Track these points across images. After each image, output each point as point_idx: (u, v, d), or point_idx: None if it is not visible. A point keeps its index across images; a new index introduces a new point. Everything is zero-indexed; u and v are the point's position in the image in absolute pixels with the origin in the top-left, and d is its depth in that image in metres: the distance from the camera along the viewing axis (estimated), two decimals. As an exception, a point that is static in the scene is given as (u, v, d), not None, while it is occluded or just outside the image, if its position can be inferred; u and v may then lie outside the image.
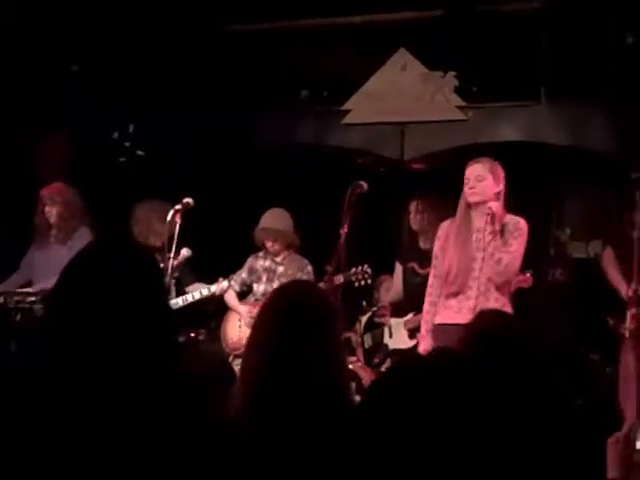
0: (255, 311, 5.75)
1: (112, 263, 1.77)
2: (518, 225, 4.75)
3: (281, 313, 2.23)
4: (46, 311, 1.84)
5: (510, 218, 4.78)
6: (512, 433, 2.36)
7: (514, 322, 2.99)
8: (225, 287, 5.92)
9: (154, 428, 1.64)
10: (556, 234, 7.74)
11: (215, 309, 6.29)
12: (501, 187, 4.76)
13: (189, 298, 5.82)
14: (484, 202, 4.70)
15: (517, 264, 4.73)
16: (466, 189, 4.75)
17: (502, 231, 4.71)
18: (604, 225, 7.12)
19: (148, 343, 1.71)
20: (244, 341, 5.85)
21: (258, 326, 2.28)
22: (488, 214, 4.67)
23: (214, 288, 5.87)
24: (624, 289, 5.01)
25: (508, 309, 4.68)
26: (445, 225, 4.98)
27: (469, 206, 4.77)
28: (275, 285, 5.88)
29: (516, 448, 2.38)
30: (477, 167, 4.76)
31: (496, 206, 4.68)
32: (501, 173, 4.78)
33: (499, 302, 4.70)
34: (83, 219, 5.85)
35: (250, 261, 6.04)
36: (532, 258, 7.20)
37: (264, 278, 5.98)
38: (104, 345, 1.67)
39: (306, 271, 5.93)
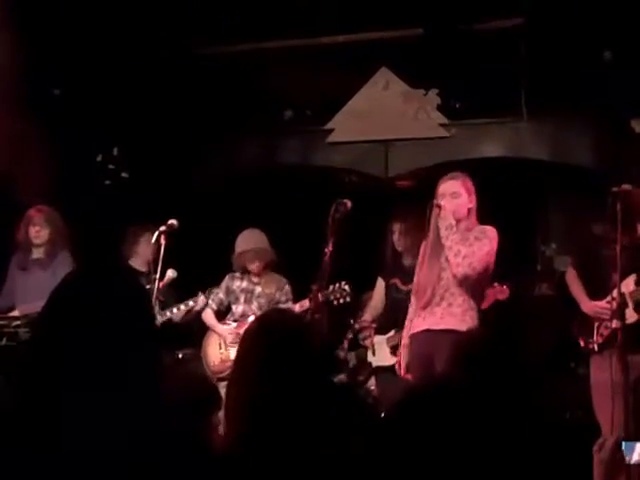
0: (236, 332, 5.78)
1: (100, 289, 1.76)
2: (483, 230, 4.75)
3: (263, 346, 2.24)
4: (33, 336, 1.84)
5: (477, 227, 4.79)
6: (496, 448, 2.38)
7: (491, 343, 3.01)
8: (203, 301, 5.90)
9: (141, 450, 1.64)
10: (542, 249, 7.78)
11: (202, 327, 6.28)
12: (473, 204, 4.79)
13: (168, 314, 5.82)
14: (458, 220, 4.72)
15: (479, 261, 4.65)
16: (435, 204, 4.76)
17: (467, 236, 4.71)
18: (584, 236, 7.16)
19: (136, 366, 1.71)
20: (227, 364, 5.86)
21: (241, 358, 2.29)
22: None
23: (191, 303, 5.87)
24: (585, 305, 4.96)
25: (470, 315, 4.69)
26: (423, 244, 5.01)
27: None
28: (254, 305, 5.89)
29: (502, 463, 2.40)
30: (453, 183, 4.78)
31: (446, 204, 4.70)
32: (472, 188, 4.80)
33: (461, 307, 4.70)
34: (67, 243, 5.84)
35: (227, 281, 6.03)
36: (519, 273, 7.26)
37: (242, 299, 5.97)
38: (92, 370, 1.67)
39: (285, 290, 5.93)
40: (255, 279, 5.96)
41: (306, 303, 5.55)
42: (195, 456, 1.73)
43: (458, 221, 4.73)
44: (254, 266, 5.90)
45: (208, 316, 6.05)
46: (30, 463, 1.59)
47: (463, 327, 4.64)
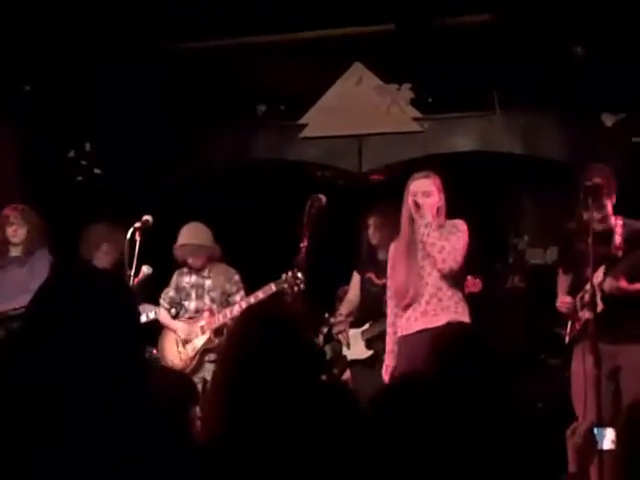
0: (190, 328, 5.75)
1: (85, 287, 1.76)
2: (454, 223, 4.80)
3: (249, 339, 2.23)
4: (19, 336, 1.83)
5: (448, 222, 4.82)
6: (475, 437, 2.41)
7: (474, 333, 3.05)
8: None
9: (125, 444, 1.64)
10: (514, 241, 7.84)
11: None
12: (442, 201, 4.82)
13: (152, 314, 5.82)
14: (429, 214, 4.75)
15: (459, 255, 4.70)
16: (411, 202, 4.78)
17: (441, 232, 4.75)
18: (561, 232, 7.23)
19: (121, 362, 1.71)
20: (187, 363, 5.79)
21: (225, 353, 2.28)
22: (415, 207, 4.71)
23: (152, 315, 5.89)
24: (557, 300, 5.06)
25: (463, 305, 4.76)
26: (393, 245, 5.03)
27: (412, 219, 4.81)
28: (206, 300, 5.80)
29: (480, 453, 2.43)
30: (425, 182, 4.79)
31: (421, 199, 4.73)
32: (441, 186, 4.83)
33: (453, 299, 4.75)
34: (45, 240, 5.81)
35: (175, 278, 5.93)
36: (491, 265, 7.32)
37: (193, 295, 5.87)
38: (76, 366, 1.67)
39: (234, 281, 5.84)
40: (204, 273, 5.86)
41: (270, 288, 5.47)
42: (179, 449, 1.74)
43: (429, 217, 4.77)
44: (191, 261, 5.84)
45: (162, 315, 5.95)
46: (16, 462, 1.60)
47: (461, 317, 4.69)
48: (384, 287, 5.90)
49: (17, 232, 5.74)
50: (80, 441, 1.61)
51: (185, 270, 5.90)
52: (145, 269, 5.54)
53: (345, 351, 6.11)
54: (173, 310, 5.91)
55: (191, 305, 5.85)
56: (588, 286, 4.63)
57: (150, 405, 1.78)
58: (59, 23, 6.52)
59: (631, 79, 6.18)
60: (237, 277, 5.84)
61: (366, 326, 6.00)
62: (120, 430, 1.64)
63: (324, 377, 5.88)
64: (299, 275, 5.29)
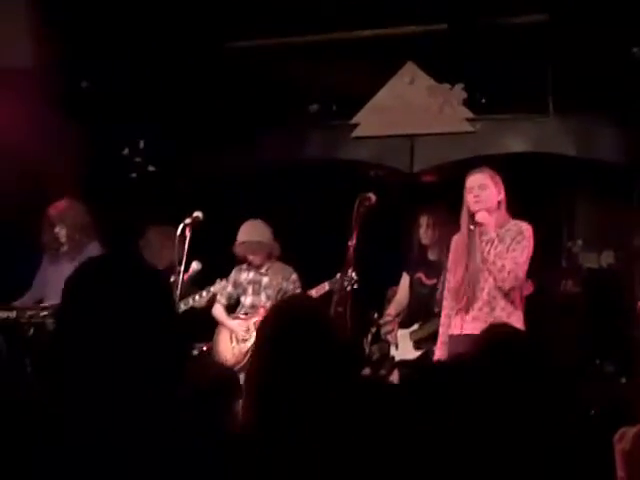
0: (247, 324, 5.80)
1: (118, 275, 1.75)
2: (521, 229, 4.75)
3: (279, 332, 2.24)
4: (55, 324, 1.84)
5: (513, 224, 4.79)
6: (518, 440, 2.38)
7: (519, 335, 3.02)
8: (224, 285, 5.88)
9: (165, 440, 1.64)
10: (568, 245, 7.73)
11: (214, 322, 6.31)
12: (502, 195, 4.79)
13: (190, 301, 5.82)
14: (487, 210, 4.72)
15: (522, 270, 4.70)
16: (469, 198, 4.76)
17: (504, 237, 4.72)
18: (616, 236, 7.12)
19: (158, 356, 1.71)
20: (239, 357, 5.89)
21: (258, 347, 2.30)
22: (477, 224, 4.70)
23: (212, 289, 5.88)
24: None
25: (516, 317, 4.70)
26: (455, 238, 5.00)
27: (472, 217, 4.78)
28: (262, 297, 5.89)
29: (523, 456, 2.40)
30: (479, 176, 4.78)
31: (482, 216, 4.70)
32: (500, 182, 4.80)
33: (505, 311, 4.72)
34: (92, 235, 5.88)
35: (234, 274, 6.03)
36: (544, 269, 7.23)
37: (250, 290, 5.97)
38: (114, 357, 1.67)
39: (291, 279, 5.92)
40: (262, 270, 5.95)
41: (323, 287, 5.50)
42: (214, 443, 1.73)
43: (489, 212, 4.74)
44: (251, 258, 5.90)
45: (218, 311, 6.05)
46: (54, 453, 1.60)
47: None
48: (433, 288, 5.89)
49: (60, 233, 5.82)
50: (107, 433, 1.61)
51: (244, 267, 6.00)
52: (195, 265, 5.59)
53: (393, 351, 6.09)
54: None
55: (247, 300, 5.95)
56: None
57: (187, 398, 1.78)
58: (118, 21, 6.61)
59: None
60: (294, 276, 5.92)
61: (415, 327, 5.97)
62: (154, 421, 1.64)
63: (368, 375, 5.92)
64: (353, 275, 5.33)
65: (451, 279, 4.95)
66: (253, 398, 2.23)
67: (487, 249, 4.71)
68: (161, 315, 1.73)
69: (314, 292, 5.56)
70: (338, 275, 5.39)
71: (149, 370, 1.68)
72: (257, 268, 5.95)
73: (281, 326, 2.26)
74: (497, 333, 3.09)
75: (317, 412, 2.12)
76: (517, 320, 4.73)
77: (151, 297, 1.73)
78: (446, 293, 5.00)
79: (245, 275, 6.00)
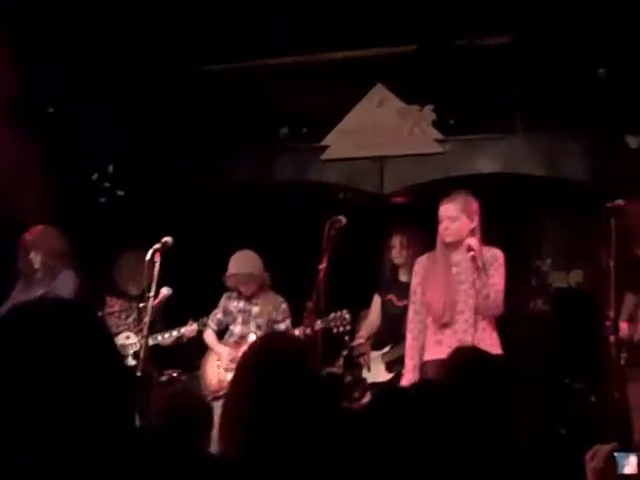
0: (234, 354, 5.79)
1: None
2: (496, 257, 4.82)
3: (259, 369, 2.23)
4: None
5: (487, 250, 4.83)
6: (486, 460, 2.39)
7: (489, 357, 3.03)
8: (194, 329, 5.94)
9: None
10: (537, 264, 7.78)
11: (199, 347, 6.28)
12: (475, 223, 4.82)
13: (159, 338, 5.86)
14: (459, 241, 4.75)
15: (502, 296, 4.81)
16: (440, 227, 4.79)
17: (487, 269, 4.75)
18: (584, 255, 7.17)
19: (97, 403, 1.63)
20: (224, 384, 5.88)
21: (237, 381, 2.28)
22: (470, 253, 4.70)
23: (182, 330, 5.91)
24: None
25: (495, 335, 4.80)
26: (422, 260, 5.01)
27: (445, 245, 4.82)
28: (252, 326, 5.89)
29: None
30: (449, 207, 4.80)
31: (475, 242, 4.72)
32: (475, 208, 4.82)
33: (487, 331, 4.76)
34: (67, 262, 5.82)
35: (224, 302, 6.04)
36: (513, 288, 7.27)
37: (240, 319, 5.96)
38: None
39: (281, 309, 5.93)
40: (252, 299, 5.96)
41: (317, 325, 5.53)
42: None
43: (459, 241, 4.77)
44: (243, 289, 5.91)
45: (208, 336, 6.06)
46: None
47: (495, 350, 4.69)
48: (405, 309, 5.89)
49: (34, 259, 5.77)
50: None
51: (234, 295, 6.01)
52: (165, 290, 5.55)
53: (365, 374, 6.08)
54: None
55: (236, 329, 5.95)
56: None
57: (153, 430, 1.75)
58: (85, 44, 6.58)
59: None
60: (285, 306, 5.94)
61: (387, 349, 5.97)
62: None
63: (342, 402, 5.91)
64: (347, 316, 5.52)
65: (418, 301, 4.95)
66: (231, 431, 2.21)
67: (473, 277, 4.74)
68: (97, 359, 1.65)
69: (309, 329, 5.54)
70: (332, 314, 5.51)
71: (92, 415, 1.59)
72: (247, 297, 5.94)
73: (260, 365, 2.26)
74: (465, 356, 3.11)
75: (296, 446, 2.11)
76: (496, 338, 4.79)
77: (85, 339, 1.65)
78: (411, 314, 5.00)
79: (235, 303, 6.00)
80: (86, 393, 1.56)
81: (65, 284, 5.69)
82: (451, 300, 4.78)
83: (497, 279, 4.76)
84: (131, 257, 6.00)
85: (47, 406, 1.52)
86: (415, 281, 5.03)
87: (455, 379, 2.85)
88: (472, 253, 4.70)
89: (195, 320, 5.98)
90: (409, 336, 4.97)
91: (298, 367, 2.25)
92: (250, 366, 2.27)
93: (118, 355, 1.74)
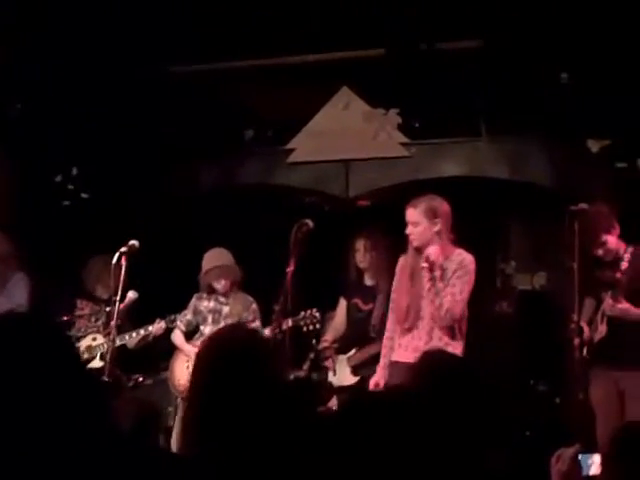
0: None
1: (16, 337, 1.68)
2: (463, 263, 4.76)
3: (213, 362, 2.20)
4: None
5: (456, 255, 4.79)
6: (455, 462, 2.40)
7: (454, 360, 3.05)
8: (162, 327, 5.91)
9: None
10: (501, 266, 7.85)
11: (165, 350, 6.26)
12: (440, 226, 4.76)
13: (126, 337, 5.82)
14: (425, 245, 4.75)
15: (459, 307, 4.72)
16: (406, 231, 4.80)
17: (445, 270, 4.75)
18: (548, 257, 7.24)
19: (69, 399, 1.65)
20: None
21: (194, 377, 2.25)
22: (426, 261, 4.71)
23: (150, 328, 5.87)
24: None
25: (452, 348, 4.68)
26: (400, 260, 5.02)
27: (415, 249, 4.83)
28: (222, 326, 5.86)
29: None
30: (411, 212, 4.79)
31: (434, 253, 4.70)
32: (439, 211, 4.77)
33: (442, 341, 4.73)
34: (15, 265, 5.73)
35: (194, 302, 6.02)
36: (478, 291, 7.32)
37: (210, 319, 5.95)
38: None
39: (251, 309, 5.93)
40: (222, 299, 5.95)
41: (287, 323, 5.52)
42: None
43: (424, 246, 4.76)
44: (220, 284, 5.88)
45: (176, 337, 6.04)
46: None
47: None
48: (370, 313, 5.92)
49: None
50: None
51: (204, 295, 6.00)
52: (131, 294, 5.53)
53: (331, 377, 6.08)
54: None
55: (206, 330, 5.92)
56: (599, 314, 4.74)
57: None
58: (50, 45, 6.52)
59: (615, 105, 6.23)
60: (255, 306, 5.95)
61: (352, 352, 5.98)
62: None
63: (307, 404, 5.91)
64: (317, 315, 5.59)
65: (394, 300, 4.97)
66: (187, 428, 2.19)
67: (427, 286, 4.73)
68: (62, 374, 1.66)
69: (274, 329, 5.52)
70: (302, 313, 5.54)
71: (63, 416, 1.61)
72: (218, 297, 5.92)
73: (217, 356, 2.22)
74: (432, 360, 3.12)
75: (255, 444, 2.09)
76: (459, 344, 4.78)
77: (49, 353, 1.66)
78: (390, 314, 5.02)
79: (206, 303, 5.99)
80: (49, 402, 1.59)
81: (18, 288, 5.63)
82: (416, 304, 4.77)
83: (458, 288, 4.70)
84: (99, 260, 5.95)
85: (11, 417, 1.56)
86: (394, 281, 5.04)
87: (421, 383, 2.86)
88: (425, 265, 4.71)
89: (162, 318, 5.95)
90: (385, 334, 5.00)
91: (257, 360, 2.21)
92: (207, 357, 2.24)
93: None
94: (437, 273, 4.71)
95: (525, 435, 6.63)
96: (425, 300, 4.76)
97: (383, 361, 4.96)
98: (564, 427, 5.60)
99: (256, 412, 2.12)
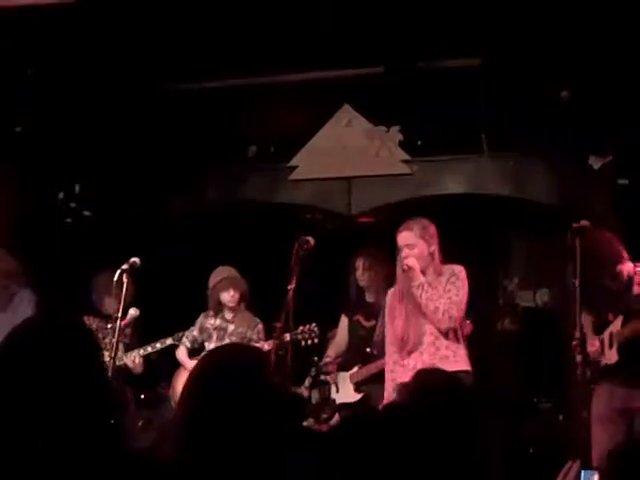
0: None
1: (51, 340, 1.73)
2: (454, 271, 4.83)
3: (206, 377, 2.18)
4: None
5: (447, 268, 4.86)
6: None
7: (447, 378, 3.06)
8: (168, 343, 5.94)
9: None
10: (504, 283, 7.85)
11: (167, 367, 6.27)
12: (434, 247, 4.84)
13: (149, 349, 5.87)
14: (422, 267, 4.78)
15: (457, 309, 4.76)
16: (400, 256, 4.83)
17: (439, 281, 4.77)
18: (551, 274, 7.24)
19: (86, 418, 1.67)
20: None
21: (186, 389, 2.23)
22: (404, 270, 4.75)
23: (159, 345, 5.88)
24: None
25: (462, 353, 4.78)
26: (390, 292, 5.05)
27: (404, 271, 4.85)
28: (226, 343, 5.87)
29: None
30: (406, 235, 4.83)
31: (412, 261, 4.76)
32: (432, 232, 4.86)
33: (450, 349, 4.76)
34: (21, 282, 5.73)
35: (201, 320, 6.04)
36: (481, 308, 7.33)
37: (214, 337, 5.97)
38: (42, 421, 1.63)
39: (257, 329, 5.93)
40: (228, 316, 5.96)
41: (285, 338, 5.53)
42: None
43: (423, 270, 4.79)
44: (230, 295, 5.88)
45: (181, 353, 6.06)
46: None
47: (460, 367, 4.70)
48: (372, 329, 5.91)
49: None
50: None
51: (211, 313, 6.02)
52: (132, 311, 5.52)
53: (334, 394, 6.07)
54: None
55: (210, 346, 5.93)
56: (605, 334, 4.73)
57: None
58: (52, 64, 6.54)
59: (617, 122, 6.24)
60: (260, 326, 5.97)
61: (355, 369, 5.97)
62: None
63: (311, 421, 5.90)
64: (315, 329, 5.60)
65: (391, 331, 4.97)
66: (178, 440, 2.16)
67: (418, 293, 4.76)
68: (89, 381, 1.70)
69: (275, 345, 5.53)
70: (300, 327, 5.55)
71: (78, 437, 1.63)
72: (225, 315, 5.95)
73: (210, 372, 2.20)
74: (426, 378, 3.13)
75: (245, 461, 2.07)
76: (463, 356, 4.80)
77: (80, 364, 1.70)
78: (387, 346, 5.02)
79: (212, 321, 6.01)
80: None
81: (24, 306, 5.62)
82: (417, 328, 4.79)
83: (453, 292, 4.75)
84: (106, 276, 5.96)
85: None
86: (386, 313, 5.07)
87: (418, 401, 2.86)
88: (405, 268, 4.74)
89: (170, 336, 5.97)
90: (386, 369, 4.99)
91: (251, 376, 2.19)
92: (198, 374, 2.21)
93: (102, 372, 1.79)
94: (422, 279, 4.73)
95: (529, 452, 6.61)
96: (422, 317, 4.77)
97: (387, 393, 4.93)
98: (567, 444, 5.59)
99: (248, 425, 2.11)
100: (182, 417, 2.14)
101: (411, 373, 4.62)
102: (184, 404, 2.16)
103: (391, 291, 5.07)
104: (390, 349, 4.98)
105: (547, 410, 7.07)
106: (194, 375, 2.20)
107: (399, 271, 4.90)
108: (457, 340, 4.82)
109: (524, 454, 6.56)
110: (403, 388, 4.47)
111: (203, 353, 5.90)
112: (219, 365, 2.20)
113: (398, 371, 4.85)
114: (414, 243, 4.80)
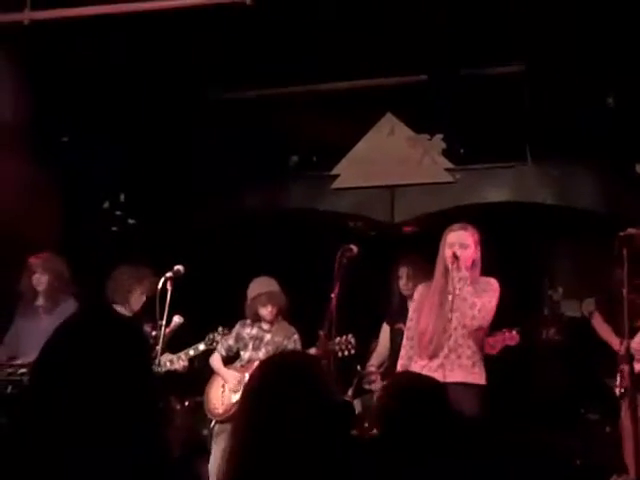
0: (240, 376, 5.79)
1: (97, 334, 1.75)
2: (489, 283, 4.82)
3: (265, 385, 2.16)
4: (30, 382, 1.82)
5: (483, 279, 4.84)
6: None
7: (423, 381, 3.07)
8: (201, 349, 5.96)
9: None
10: (549, 293, 7.76)
11: (199, 375, 6.29)
12: (478, 255, 4.83)
13: (191, 352, 5.91)
14: (467, 268, 4.74)
15: (490, 313, 4.73)
16: (449, 253, 4.76)
17: (475, 289, 4.74)
18: (596, 283, 7.14)
19: (133, 414, 1.69)
20: (228, 407, 5.89)
21: (245, 402, 2.22)
22: (453, 259, 4.70)
23: (192, 352, 5.91)
24: (615, 344, 5.08)
25: (479, 366, 4.73)
26: (421, 288, 5.01)
27: (447, 270, 4.79)
28: (261, 353, 5.88)
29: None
30: (462, 234, 4.80)
31: (463, 253, 4.74)
32: (479, 240, 4.84)
33: (472, 359, 4.73)
34: (69, 290, 5.83)
35: (238, 328, 6.04)
36: (526, 317, 7.26)
37: (250, 345, 5.96)
38: (88, 416, 1.65)
39: (293, 339, 5.91)
40: (265, 326, 5.95)
41: (314, 350, 5.54)
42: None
43: (468, 269, 4.76)
44: (267, 310, 5.88)
45: (215, 360, 6.06)
46: None
47: (471, 379, 4.65)
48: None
49: (40, 280, 5.77)
50: None
51: (248, 322, 6.01)
52: (177, 318, 5.56)
53: (377, 403, 6.04)
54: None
55: (246, 355, 5.95)
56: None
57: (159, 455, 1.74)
58: (98, 74, 6.63)
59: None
60: (296, 336, 5.94)
61: (398, 378, 5.94)
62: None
63: (354, 431, 5.87)
64: (352, 340, 5.59)
65: (412, 327, 4.93)
66: (237, 452, 2.15)
67: (460, 286, 4.72)
68: (137, 377, 1.71)
69: (313, 351, 5.55)
70: (337, 338, 5.50)
71: (124, 431, 1.65)
72: (262, 325, 5.96)
73: (269, 380, 2.18)
74: (401, 380, 3.15)
75: (303, 469, 2.06)
76: (480, 369, 4.75)
77: (128, 359, 1.71)
78: (404, 341, 4.98)
79: (249, 330, 6.00)
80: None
81: (69, 311, 5.66)
82: (441, 329, 4.74)
83: (487, 298, 4.73)
84: (125, 274, 6.00)
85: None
86: (411, 308, 5.04)
87: (392, 405, 2.90)
88: (454, 258, 4.70)
89: (202, 339, 6.00)
90: (400, 363, 4.95)
91: (306, 384, 2.16)
92: (256, 383, 2.19)
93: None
94: (466, 272, 4.69)
95: (576, 464, 6.51)
96: (453, 321, 4.71)
97: None
98: (615, 457, 5.50)
99: (310, 436, 2.09)
100: (248, 422, 2.12)
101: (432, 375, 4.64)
102: (249, 411, 2.15)
103: (421, 287, 5.01)
104: (407, 344, 4.93)
105: (594, 422, 6.97)
106: (257, 385, 2.18)
107: (438, 269, 4.84)
108: (478, 352, 4.77)
109: (571, 466, 6.46)
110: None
111: (242, 362, 5.93)
112: (283, 373, 2.19)
113: (412, 367, 4.80)
114: (468, 243, 4.77)
